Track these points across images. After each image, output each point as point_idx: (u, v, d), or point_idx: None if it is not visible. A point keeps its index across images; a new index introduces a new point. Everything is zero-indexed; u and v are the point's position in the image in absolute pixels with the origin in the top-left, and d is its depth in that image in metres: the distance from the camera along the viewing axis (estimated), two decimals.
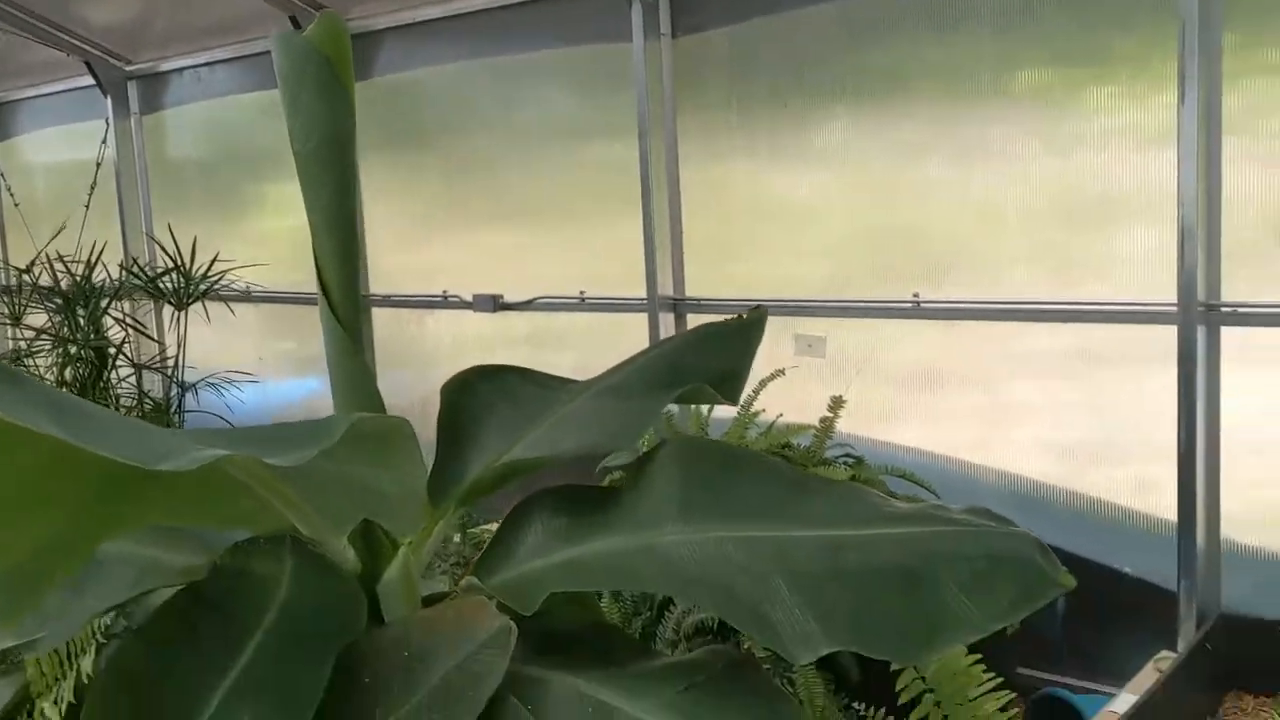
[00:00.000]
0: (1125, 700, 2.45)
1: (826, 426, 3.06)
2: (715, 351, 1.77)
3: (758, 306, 1.90)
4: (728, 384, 1.65)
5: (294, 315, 5.10)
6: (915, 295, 3.30)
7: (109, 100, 5.57)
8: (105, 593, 1.28)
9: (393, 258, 4.72)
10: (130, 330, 4.19)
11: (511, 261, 4.35)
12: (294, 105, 1.26)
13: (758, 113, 3.61)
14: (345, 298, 1.38)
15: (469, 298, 4.34)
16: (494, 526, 2.69)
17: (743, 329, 1.84)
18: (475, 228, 4.51)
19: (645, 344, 3.77)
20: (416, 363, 4.63)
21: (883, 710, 1.74)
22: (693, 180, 3.74)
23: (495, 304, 4.23)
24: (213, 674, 1.24)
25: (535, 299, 4.17)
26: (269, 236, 5.27)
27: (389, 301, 4.67)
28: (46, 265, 3.95)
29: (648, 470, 1.48)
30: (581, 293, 4.03)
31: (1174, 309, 2.89)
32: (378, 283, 4.72)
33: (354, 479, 1.08)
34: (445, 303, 4.46)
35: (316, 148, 1.31)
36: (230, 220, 5.34)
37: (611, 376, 1.78)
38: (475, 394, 1.67)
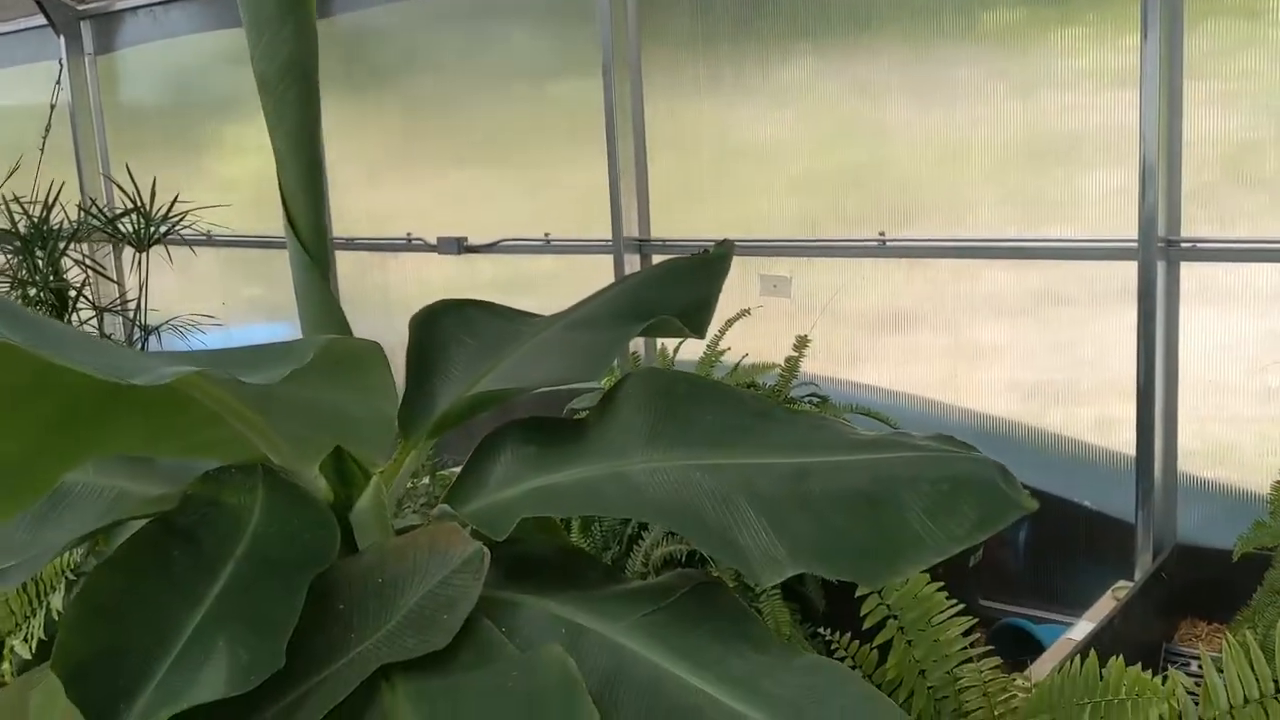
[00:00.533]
0: (1083, 628, 2.51)
1: (791, 366, 3.08)
2: (681, 285, 1.78)
3: (723, 241, 1.91)
4: (694, 317, 1.66)
5: (258, 260, 5.05)
6: (881, 234, 3.32)
7: (62, 40, 5.44)
8: (74, 524, 1.27)
9: (354, 201, 4.67)
10: (91, 272, 4.13)
11: (475, 204, 4.32)
12: (257, 25, 1.24)
13: (722, 49, 3.58)
14: (311, 225, 1.37)
15: (433, 240, 4.31)
16: (458, 470, 2.69)
17: (708, 263, 1.85)
18: (438, 170, 4.47)
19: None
20: (381, 308, 4.61)
21: (848, 635, 1.78)
22: (657, 119, 3.72)
23: (460, 246, 4.21)
24: (187, 602, 1.24)
25: (500, 241, 4.15)
26: (230, 180, 5.19)
27: (352, 245, 4.63)
28: (2, 206, 3.88)
29: (615, 401, 1.49)
30: (546, 234, 4.02)
31: (1134, 245, 2.92)
32: (340, 226, 4.67)
33: (324, 403, 1.08)
34: (409, 245, 4.43)
35: (280, 69, 1.30)
36: (189, 163, 5.26)
37: (577, 311, 1.79)
38: (442, 327, 1.67)
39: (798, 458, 1.40)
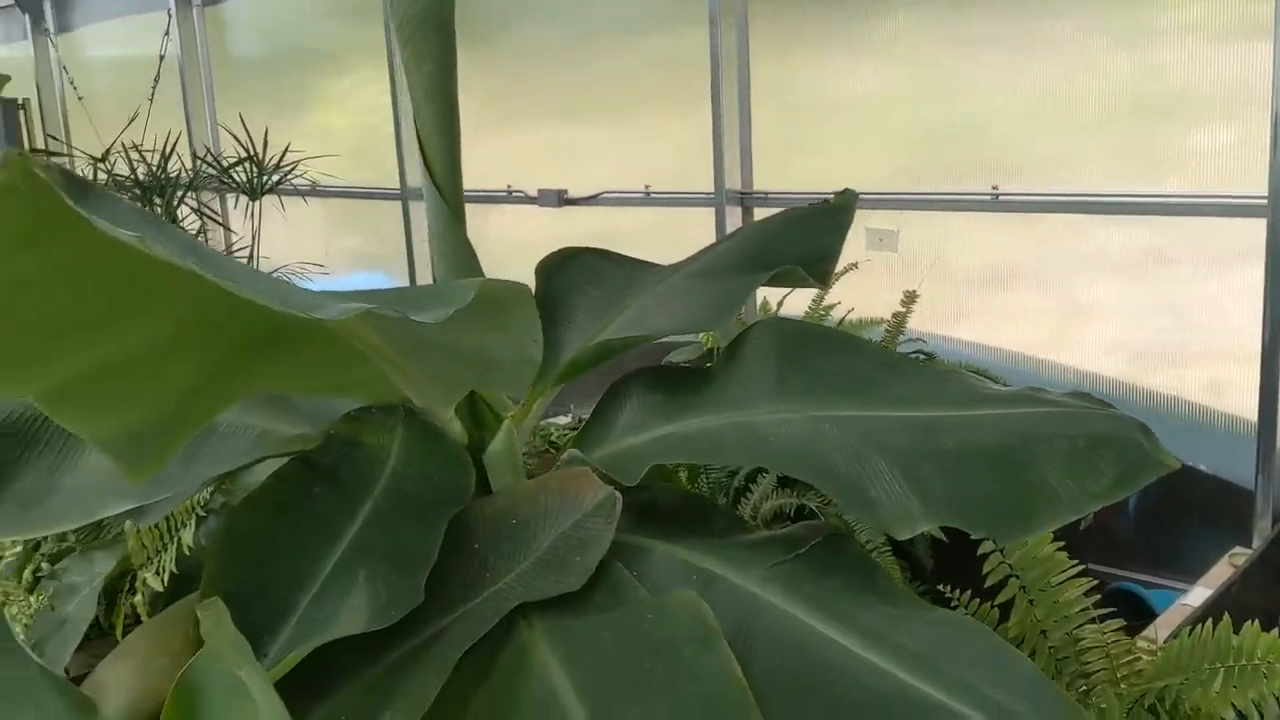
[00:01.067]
0: (1199, 594, 2.46)
1: (899, 321, 3.04)
2: (803, 235, 1.76)
3: (845, 190, 1.88)
4: (817, 267, 1.64)
5: (358, 210, 5.12)
6: (994, 187, 3.24)
7: None
8: (219, 460, 1.31)
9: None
10: (206, 220, 4.23)
11: (575, 156, 4.32)
12: None
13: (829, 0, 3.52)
14: (446, 169, 1.38)
15: (533, 193, 4.32)
16: (560, 420, 2.72)
17: (830, 212, 1.83)
18: (537, 122, 4.47)
19: (713, 240, 3.75)
20: (484, 261, 4.63)
21: (968, 593, 1.76)
22: (761, 71, 3.67)
23: (560, 199, 4.22)
24: (328, 538, 1.28)
25: (600, 194, 4.15)
26: (330, 132, 5.26)
27: None
28: (122, 154, 3.98)
29: (740, 351, 1.49)
30: (646, 187, 4.00)
31: (1263, 201, 2.81)
32: None
33: (472, 346, 1.09)
34: (509, 198, 4.45)
35: (419, 16, 1.31)
36: (288, 115, 5.33)
37: (697, 260, 1.78)
38: (566, 275, 1.68)
39: (929, 411, 1.38)
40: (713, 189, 3.72)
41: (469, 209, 4.29)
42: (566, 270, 1.69)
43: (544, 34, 4.36)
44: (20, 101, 6.57)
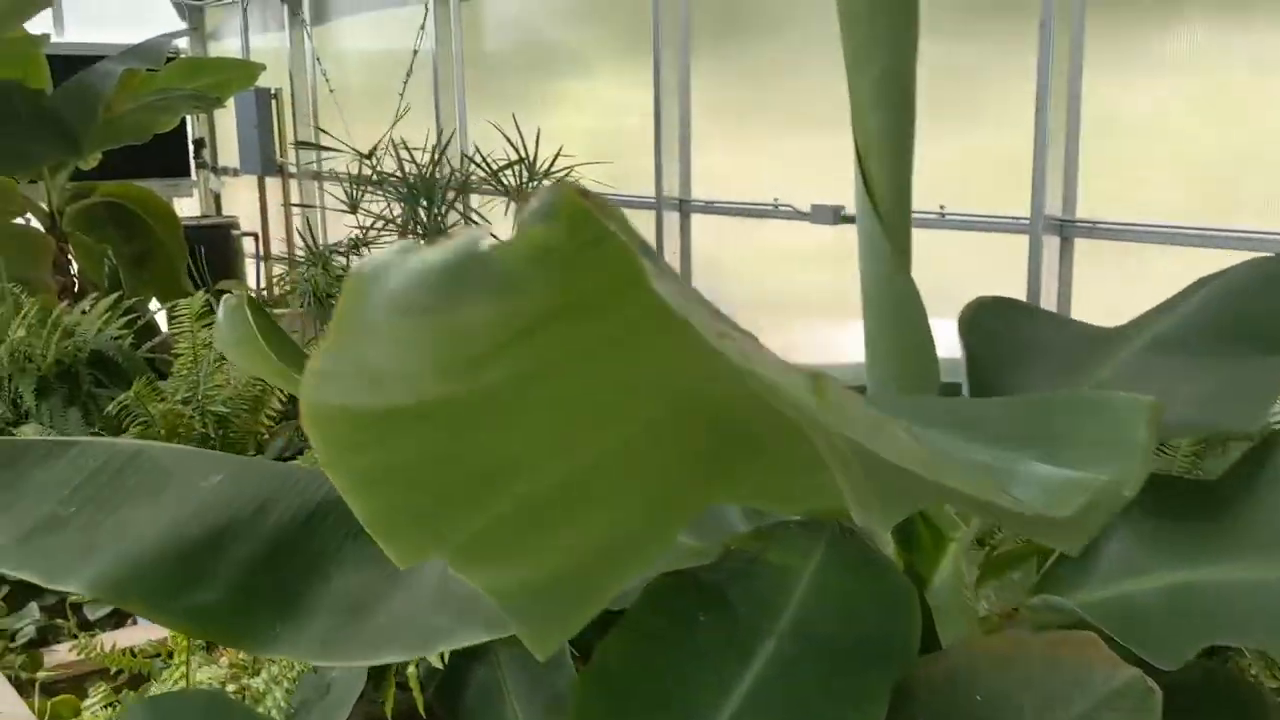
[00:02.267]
0: None
1: None
2: None
3: None
4: None
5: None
6: None
7: None
8: None
9: (715, 159, 4.37)
10: (474, 225, 4.04)
11: (852, 169, 3.91)
12: None
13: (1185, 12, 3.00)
14: (894, 197, 1.03)
15: (805, 208, 3.94)
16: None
17: None
18: (811, 130, 4.08)
19: (1023, 272, 3.28)
20: (745, 277, 4.29)
21: None
22: (1059, 85, 3.17)
23: (836, 216, 3.82)
24: (712, 687, 0.94)
25: None
26: (566, 135, 5.03)
27: (711, 208, 4.34)
28: (390, 151, 3.83)
29: (1272, 464, 1.07)
30: (941, 208, 3.56)
31: None
32: (699, 187, 4.40)
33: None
34: (776, 212, 4.08)
35: (871, 3, 0.96)
36: (532, 115, 5.14)
37: (1154, 325, 1.35)
38: (988, 335, 1.30)
39: None
40: (1026, 213, 3.24)
41: (731, 222, 3.88)
42: (983, 326, 1.31)
43: (819, 31, 3.97)
44: (274, 91, 6.67)
